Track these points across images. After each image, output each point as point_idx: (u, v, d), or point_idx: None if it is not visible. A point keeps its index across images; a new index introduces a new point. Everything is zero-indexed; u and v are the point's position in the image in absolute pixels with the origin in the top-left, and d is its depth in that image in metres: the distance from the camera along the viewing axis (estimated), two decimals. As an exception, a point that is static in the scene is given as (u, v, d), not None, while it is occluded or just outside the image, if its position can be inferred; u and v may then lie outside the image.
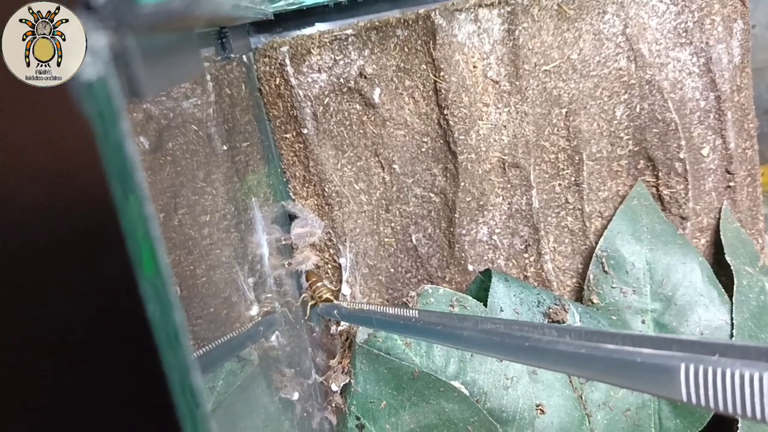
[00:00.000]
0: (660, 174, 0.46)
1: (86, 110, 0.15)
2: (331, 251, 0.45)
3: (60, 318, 0.67)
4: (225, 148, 0.42)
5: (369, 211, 0.45)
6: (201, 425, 0.16)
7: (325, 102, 0.43)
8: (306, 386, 0.42)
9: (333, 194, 0.44)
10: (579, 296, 0.47)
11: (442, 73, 0.42)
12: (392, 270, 0.46)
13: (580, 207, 0.46)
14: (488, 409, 0.38)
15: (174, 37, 0.20)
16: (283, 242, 0.45)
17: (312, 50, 0.42)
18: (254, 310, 0.42)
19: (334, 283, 0.45)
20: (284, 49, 0.42)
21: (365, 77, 0.43)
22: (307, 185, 0.45)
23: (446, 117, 0.43)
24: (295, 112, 0.43)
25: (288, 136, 0.44)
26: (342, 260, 0.45)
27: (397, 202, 0.45)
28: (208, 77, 0.40)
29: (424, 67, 0.43)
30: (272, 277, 0.42)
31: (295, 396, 0.40)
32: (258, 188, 0.44)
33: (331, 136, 0.44)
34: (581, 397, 0.40)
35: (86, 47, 0.14)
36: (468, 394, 0.38)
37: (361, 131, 0.44)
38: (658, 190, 0.46)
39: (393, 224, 0.46)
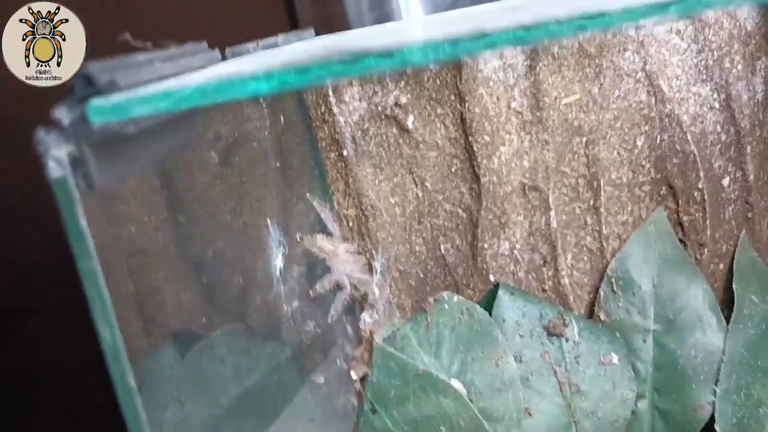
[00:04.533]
0: (680, 201, 0.48)
1: (57, 197, 0.22)
2: (366, 256, 0.52)
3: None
4: (278, 164, 0.49)
5: (402, 222, 0.51)
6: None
7: (365, 127, 0.49)
8: (332, 371, 0.49)
9: (369, 207, 0.51)
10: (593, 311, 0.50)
11: (467, 104, 0.47)
12: (422, 275, 0.52)
13: (598, 229, 0.49)
14: (480, 407, 0.44)
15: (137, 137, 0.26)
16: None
17: (353, 82, 0.48)
18: (295, 304, 0.50)
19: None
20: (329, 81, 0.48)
21: (400, 106, 0.48)
22: (347, 198, 0.51)
23: (470, 143, 0.48)
24: (337, 136, 0.49)
25: (332, 155, 0.51)
26: (375, 263, 0.51)
27: (428, 215, 0.51)
28: (264, 104, 0.48)
29: (453, 97, 0.48)
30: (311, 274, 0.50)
31: (321, 379, 0.47)
32: (308, 199, 0.51)
33: (370, 156, 0.50)
34: (570, 406, 0.45)
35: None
36: (464, 393, 0.44)
37: (398, 152, 0.50)
38: (678, 216, 0.48)
39: (424, 235, 0.51)
